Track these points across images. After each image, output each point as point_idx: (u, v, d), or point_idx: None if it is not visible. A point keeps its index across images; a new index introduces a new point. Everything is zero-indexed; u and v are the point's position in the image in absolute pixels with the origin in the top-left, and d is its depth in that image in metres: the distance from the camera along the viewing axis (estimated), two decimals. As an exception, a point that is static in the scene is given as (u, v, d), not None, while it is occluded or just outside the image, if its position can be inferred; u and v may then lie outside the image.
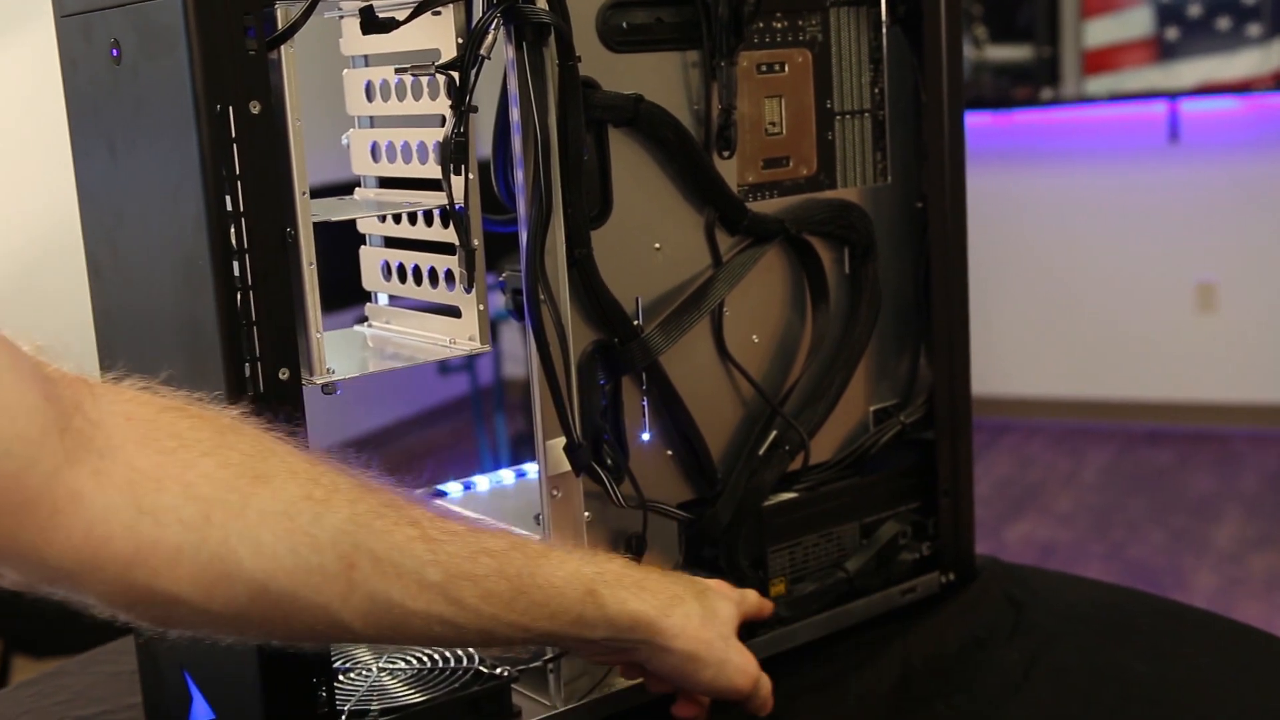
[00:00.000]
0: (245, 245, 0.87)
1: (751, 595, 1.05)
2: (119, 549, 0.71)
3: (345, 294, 1.22)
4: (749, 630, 1.07)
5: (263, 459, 0.77)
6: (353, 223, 1.09)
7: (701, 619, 0.96)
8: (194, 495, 0.73)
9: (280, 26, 0.90)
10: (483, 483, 1.20)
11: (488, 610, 0.84)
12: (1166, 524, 4.04)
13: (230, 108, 0.86)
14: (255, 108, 0.87)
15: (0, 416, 0.66)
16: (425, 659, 1.07)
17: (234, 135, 0.86)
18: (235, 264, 0.87)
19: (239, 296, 0.88)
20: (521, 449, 4.42)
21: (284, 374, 0.89)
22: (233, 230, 0.87)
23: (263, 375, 0.89)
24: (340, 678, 1.04)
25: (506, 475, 1.22)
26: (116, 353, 1.04)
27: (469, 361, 4.30)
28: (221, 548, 0.73)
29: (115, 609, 0.76)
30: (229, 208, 0.87)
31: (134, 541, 0.71)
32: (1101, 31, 4.86)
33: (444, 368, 4.42)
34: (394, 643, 1.03)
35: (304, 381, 0.92)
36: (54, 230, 3.33)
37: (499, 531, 0.91)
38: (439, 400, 5.56)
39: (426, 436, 5.48)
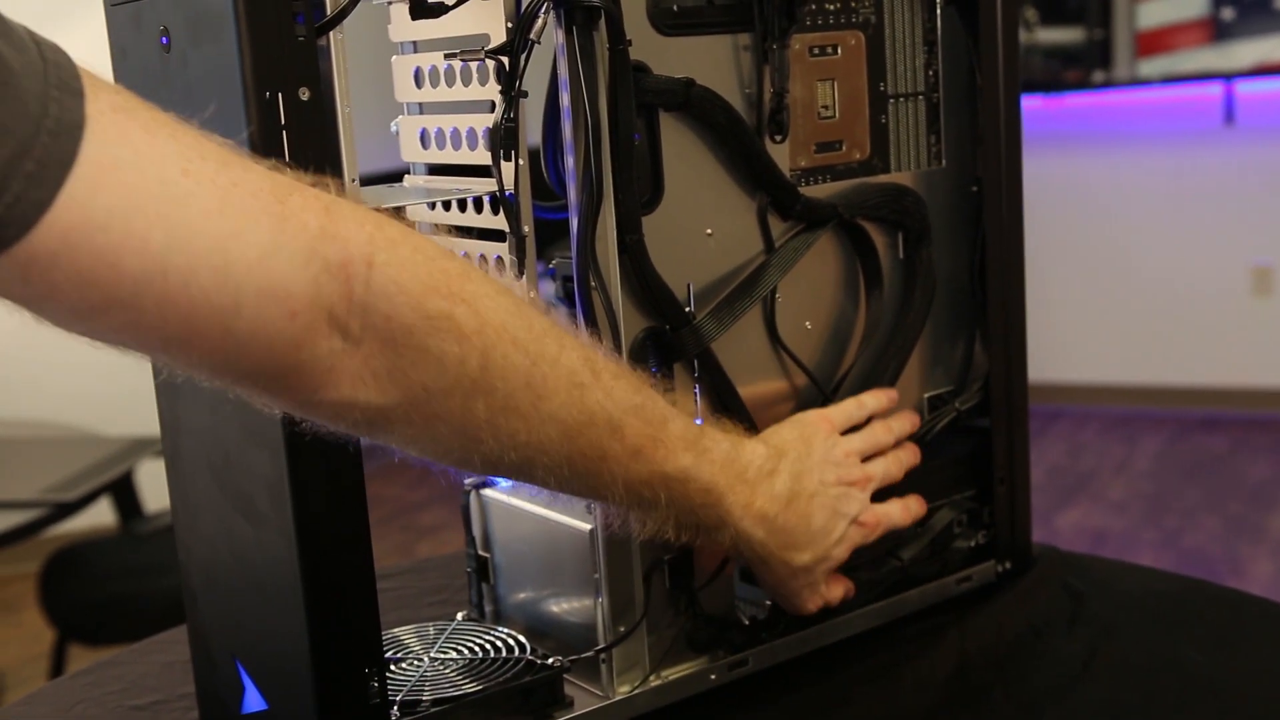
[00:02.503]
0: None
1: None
2: None
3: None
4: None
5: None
6: (402, 210, 1.09)
7: (794, 569, 1.00)
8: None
9: (329, 12, 0.90)
10: (533, 471, 1.20)
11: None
12: (1222, 511, 4.00)
13: (280, 95, 0.85)
14: (304, 94, 0.86)
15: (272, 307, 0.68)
16: (477, 649, 1.07)
17: (284, 122, 0.85)
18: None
19: (289, 285, 0.87)
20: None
21: (334, 362, 0.89)
22: (283, 218, 0.86)
23: (313, 364, 0.88)
24: (392, 668, 1.03)
25: (557, 464, 1.21)
26: (167, 342, 1.05)
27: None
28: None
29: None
30: (279, 195, 0.86)
31: None
32: (1155, 13, 4.80)
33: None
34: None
35: (354, 370, 0.92)
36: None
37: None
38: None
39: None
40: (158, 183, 0.65)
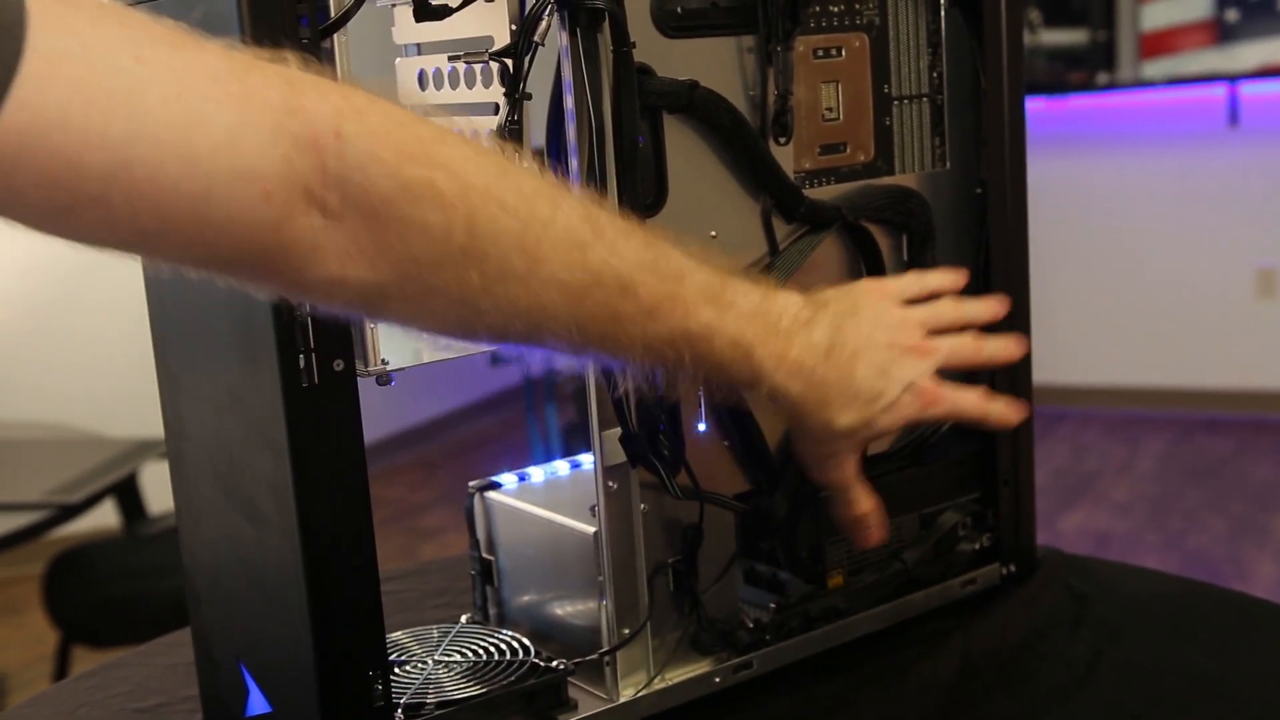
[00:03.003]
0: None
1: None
2: None
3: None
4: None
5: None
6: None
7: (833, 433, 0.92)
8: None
9: (333, 15, 0.90)
10: (537, 474, 1.20)
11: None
12: (1226, 513, 3.99)
13: (283, 97, 0.85)
14: (308, 97, 0.86)
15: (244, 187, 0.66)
16: (481, 652, 1.07)
17: (287, 125, 0.85)
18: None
19: (293, 287, 0.87)
20: (573, 439, 4.42)
21: (338, 365, 0.89)
22: (286, 220, 0.86)
23: (317, 367, 0.88)
24: (395, 670, 1.03)
25: (561, 466, 1.21)
26: (170, 344, 1.04)
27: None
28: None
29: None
30: (283, 198, 0.86)
31: None
32: (1159, 14, 4.80)
33: (495, 358, 4.42)
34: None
35: (358, 373, 0.92)
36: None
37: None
38: (490, 391, 5.57)
39: (477, 427, 5.50)
40: (110, 73, 0.62)
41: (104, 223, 0.66)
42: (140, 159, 0.63)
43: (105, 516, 2.99)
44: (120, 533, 2.97)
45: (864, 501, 0.99)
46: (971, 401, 0.97)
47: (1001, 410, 0.98)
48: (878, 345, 0.92)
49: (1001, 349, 1.00)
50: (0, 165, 0.60)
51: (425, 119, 0.75)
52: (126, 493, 2.89)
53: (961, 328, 0.99)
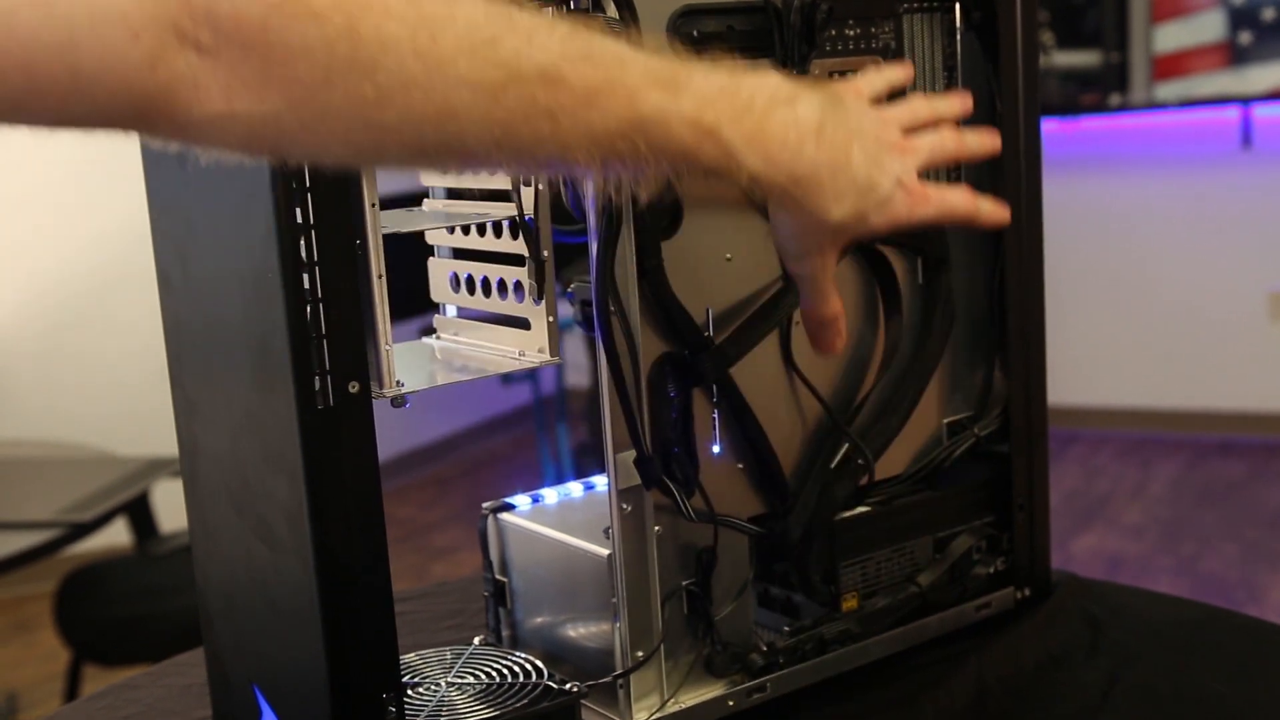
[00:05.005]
0: (315, 257, 0.87)
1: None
2: None
3: (408, 304, 1.21)
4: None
5: None
6: (420, 233, 1.09)
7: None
8: None
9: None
10: (551, 495, 1.20)
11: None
12: (1239, 537, 3.97)
13: (301, 119, 0.85)
14: (326, 119, 0.86)
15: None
16: (495, 675, 1.07)
17: (305, 147, 0.85)
18: (305, 276, 0.87)
19: (309, 309, 0.87)
20: (584, 459, 4.42)
21: (354, 387, 0.89)
22: (303, 242, 0.87)
23: (332, 388, 0.88)
24: (409, 692, 1.03)
25: (575, 488, 1.21)
26: (185, 365, 1.05)
27: (532, 371, 4.31)
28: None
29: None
30: (299, 220, 0.86)
31: None
32: (1172, 36, 4.80)
33: (506, 378, 4.43)
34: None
35: (374, 395, 0.92)
36: (130, 247, 3.37)
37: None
38: (501, 410, 5.58)
39: (489, 446, 5.50)
40: None
41: None
42: None
43: (117, 535, 2.99)
44: (131, 551, 2.97)
45: (835, 301, 0.93)
46: (960, 199, 0.93)
47: (991, 208, 0.94)
48: (867, 135, 0.85)
49: (981, 142, 0.96)
50: None
51: None
52: (138, 511, 2.89)
53: (935, 123, 0.95)
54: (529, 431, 5.32)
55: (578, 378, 4.85)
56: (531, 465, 5.05)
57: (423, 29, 0.70)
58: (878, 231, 0.87)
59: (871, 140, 0.85)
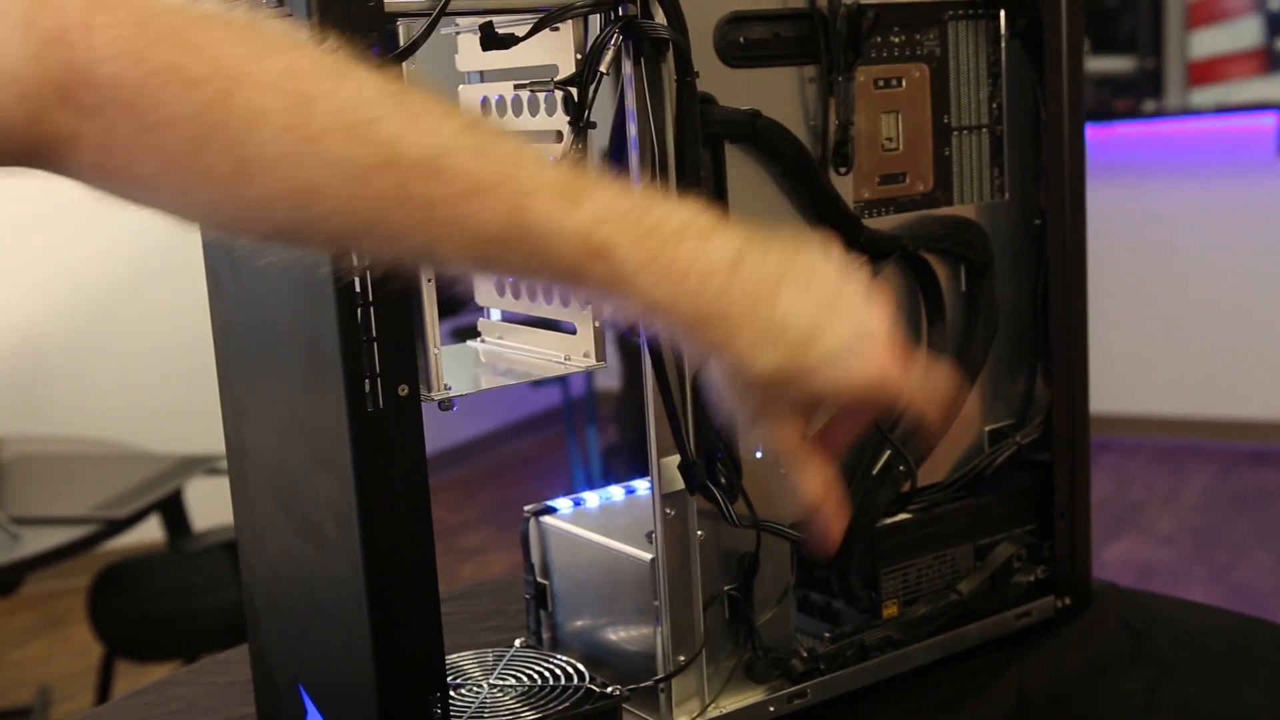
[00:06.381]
0: (366, 261, 0.88)
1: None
2: None
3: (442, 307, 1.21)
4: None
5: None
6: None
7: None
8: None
9: (401, 43, 0.91)
10: (592, 499, 1.20)
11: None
12: (1273, 546, 3.95)
13: (354, 124, 0.86)
14: (378, 124, 0.87)
15: None
16: (536, 677, 1.07)
17: (357, 151, 0.86)
18: (355, 279, 0.88)
19: (359, 312, 0.88)
20: (613, 462, 4.42)
21: (403, 390, 0.89)
22: (354, 246, 0.87)
23: (382, 391, 0.89)
24: (452, 694, 1.04)
25: (616, 492, 1.22)
26: (234, 366, 1.05)
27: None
28: None
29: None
30: (351, 223, 0.87)
31: None
32: (1207, 42, 4.77)
33: (536, 380, 4.43)
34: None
35: (422, 398, 0.92)
36: (164, 244, 3.39)
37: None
38: (529, 412, 5.58)
39: (518, 448, 5.51)
40: None
41: None
42: None
43: (150, 532, 3.01)
44: (165, 548, 2.99)
45: (812, 480, 0.80)
46: (934, 395, 0.80)
47: (933, 419, 0.82)
48: (824, 277, 0.76)
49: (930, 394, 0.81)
50: None
51: (188, 6, 0.69)
52: (172, 508, 2.91)
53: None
54: (558, 433, 5.33)
55: (606, 380, 4.84)
56: (560, 467, 5.05)
57: (298, 103, 0.68)
58: (840, 396, 0.76)
59: (831, 283, 0.76)
